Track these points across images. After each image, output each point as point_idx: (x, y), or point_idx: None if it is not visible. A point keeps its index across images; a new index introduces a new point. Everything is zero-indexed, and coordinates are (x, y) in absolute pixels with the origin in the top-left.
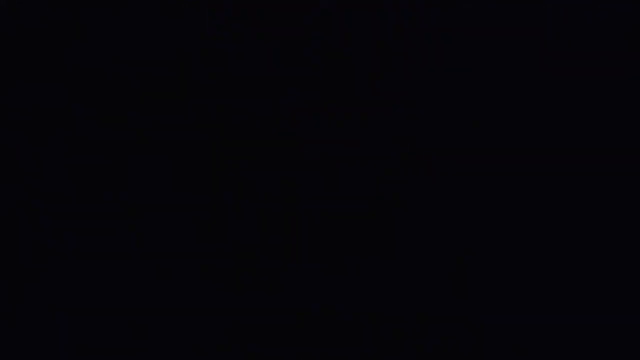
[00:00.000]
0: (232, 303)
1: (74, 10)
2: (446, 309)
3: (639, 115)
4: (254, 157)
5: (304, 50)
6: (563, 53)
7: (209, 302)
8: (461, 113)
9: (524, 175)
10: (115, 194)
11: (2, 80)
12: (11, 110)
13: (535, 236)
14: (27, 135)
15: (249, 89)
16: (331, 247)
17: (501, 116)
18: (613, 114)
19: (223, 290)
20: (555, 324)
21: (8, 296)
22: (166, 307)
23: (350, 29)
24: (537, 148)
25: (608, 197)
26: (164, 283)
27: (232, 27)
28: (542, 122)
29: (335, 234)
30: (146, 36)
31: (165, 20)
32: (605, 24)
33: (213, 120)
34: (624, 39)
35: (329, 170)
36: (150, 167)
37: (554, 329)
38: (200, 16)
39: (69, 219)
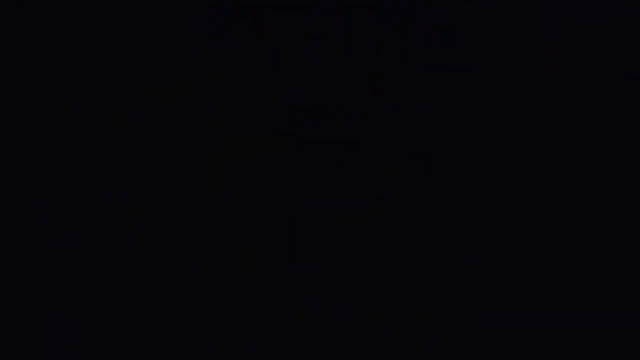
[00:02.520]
0: (232, 303)
1: (74, 10)
2: (446, 309)
3: (639, 115)
4: (254, 157)
5: (304, 50)
6: (563, 53)
7: (209, 302)
8: (461, 113)
9: (524, 175)
10: (115, 194)
11: (2, 80)
12: (11, 110)
13: (535, 236)
14: (27, 135)
15: (249, 89)
16: (331, 247)
17: (501, 116)
18: (613, 114)
19: (223, 290)
20: (555, 324)
21: (8, 296)
22: (166, 307)
23: (350, 29)
24: (537, 148)
25: (608, 197)
26: (164, 283)
27: (232, 27)
28: (542, 122)
29: (335, 234)
30: (146, 36)
31: (165, 20)
32: (605, 24)
33: (213, 120)
34: (624, 39)
35: (329, 170)
36: (150, 167)
37: (554, 329)
38: (200, 16)
39: (69, 219)
